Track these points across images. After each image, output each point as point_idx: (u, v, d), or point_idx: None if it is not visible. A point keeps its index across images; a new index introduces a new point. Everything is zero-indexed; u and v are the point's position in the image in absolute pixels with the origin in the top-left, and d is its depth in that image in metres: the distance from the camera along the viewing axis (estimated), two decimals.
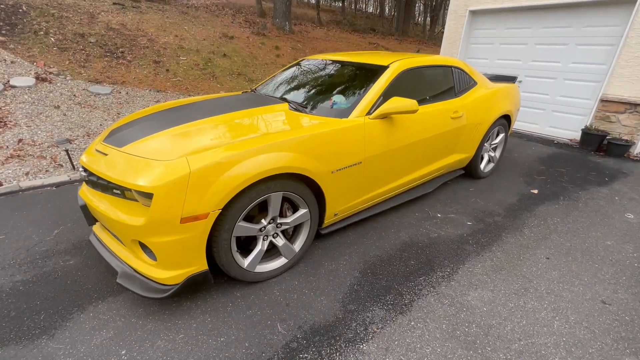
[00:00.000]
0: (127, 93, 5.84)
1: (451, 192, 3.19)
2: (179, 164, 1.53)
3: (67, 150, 3.33)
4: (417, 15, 30.42)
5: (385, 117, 2.21)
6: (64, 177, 3.15)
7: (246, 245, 1.98)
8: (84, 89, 5.38)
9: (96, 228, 2.03)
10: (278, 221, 1.91)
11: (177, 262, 1.61)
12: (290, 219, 1.94)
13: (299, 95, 2.53)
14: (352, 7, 27.88)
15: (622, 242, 2.45)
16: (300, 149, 1.82)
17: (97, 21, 7.52)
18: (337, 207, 2.17)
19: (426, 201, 2.98)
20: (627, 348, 1.57)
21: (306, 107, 2.31)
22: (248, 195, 1.67)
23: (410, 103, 2.11)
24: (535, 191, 3.26)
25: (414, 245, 2.34)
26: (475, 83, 3.13)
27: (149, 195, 1.49)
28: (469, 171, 3.38)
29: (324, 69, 2.81)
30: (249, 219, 1.86)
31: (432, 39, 22.12)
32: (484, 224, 2.63)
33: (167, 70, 7.17)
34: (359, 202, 2.32)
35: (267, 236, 1.92)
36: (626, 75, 4.33)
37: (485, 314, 1.75)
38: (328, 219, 2.18)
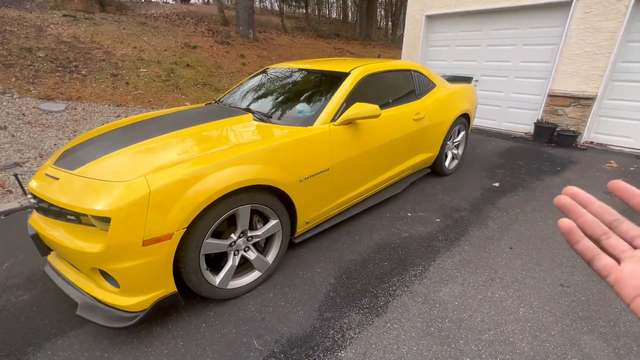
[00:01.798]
0: (83, 109, 5.53)
1: (420, 190, 3.29)
2: (137, 184, 1.46)
3: (16, 175, 3.08)
4: (379, 20, 31.37)
5: (349, 122, 2.25)
6: (13, 204, 2.92)
7: (217, 261, 1.92)
8: (34, 107, 5.03)
9: (51, 257, 1.89)
10: (248, 234, 1.88)
11: (142, 287, 1.53)
12: (261, 231, 1.92)
13: (263, 105, 2.52)
14: (316, 13, 28.25)
15: None
16: (266, 160, 1.80)
17: (45, 34, 7.09)
18: (309, 215, 2.17)
19: (396, 201, 3.05)
20: (584, 327, 1.69)
21: (271, 117, 2.30)
22: (214, 211, 1.63)
23: (372, 108, 2.16)
24: (497, 184, 3.44)
25: (387, 246, 2.39)
26: (434, 85, 3.26)
27: (106, 220, 1.41)
28: (435, 169, 3.51)
29: (289, 77, 2.81)
30: (218, 234, 1.82)
31: (394, 42, 22.88)
32: (451, 220, 2.73)
33: (127, 83, 6.88)
34: (330, 208, 2.33)
35: (237, 251, 1.87)
36: (568, 71, 4.71)
37: (457, 308, 1.81)
38: (300, 228, 2.17)
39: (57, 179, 1.65)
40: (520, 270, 2.12)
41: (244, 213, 1.77)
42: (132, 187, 1.45)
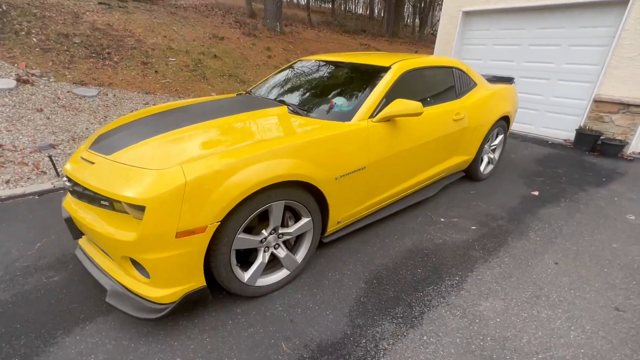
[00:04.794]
0: (114, 95, 5.63)
1: (452, 195, 3.13)
2: (173, 173, 1.40)
3: (50, 156, 3.15)
4: (406, 17, 30.65)
5: (388, 120, 2.13)
6: (47, 185, 2.97)
7: (245, 257, 1.86)
8: (68, 91, 5.16)
9: (82, 241, 1.88)
10: (280, 231, 1.81)
11: (173, 279, 1.49)
12: (293, 229, 1.84)
13: (297, 98, 2.43)
14: (342, 8, 27.93)
15: (628, 244, 2.42)
16: (303, 155, 1.72)
17: (81, 21, 7.28)
18: (341, 215, 2.07)
19: (428, 205, 2.91)
20: None
21: (306, 110, 2.21)
22: (248, 206, 1.56)
23: (415, 105, 2.03)
24: (536, 193, 3.22)
25: (419, 252, 2.26)
26: (475, 84, 3.08)
27: (140, 208, 1.37)
28: (469, 173, 3.33)
29: (322, 70, 2.71)
30: (249, 230, 1.75)
31: (421, 40, 22.29)
32: (488, 228, 2.57)
33: (156, 71, 6.98)
34: (362, 208, 2.23)
35: (267, 247, 1.80)
36: (619, 75, 4.37)
37: (499, 325, 1.68)
38: (331, 227, 2.08)
39: (93, 163, 1.63)
40: (568, 289, 1.95)
41: (277, 209, 1.69)
42: (168, 176, 1.39)
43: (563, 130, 5.09)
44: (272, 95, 2.59)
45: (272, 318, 1.70)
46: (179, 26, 9.32)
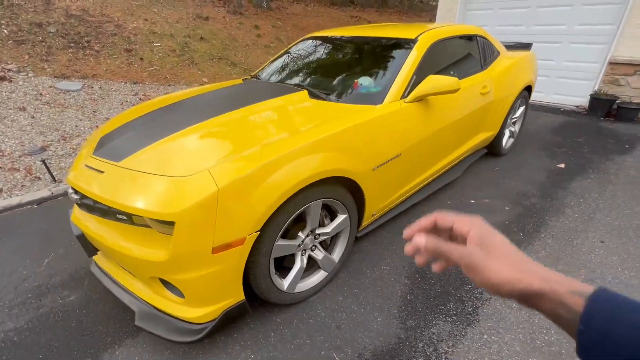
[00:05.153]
0: (100, 87, 5.27)
1: (477, 174, 2.99)
2: (201, 180, 1.21)
3: (44, 161, 2.89)
4: None
5: (421, 99, 1.92)
6: (44, 192, 2.74)
7: (279, 262, 1.71)
8: (50, 86, 4.79)
9: (98, 257, 1.70)
10: (317, 232, 1.64)
11: (210, 297, 1.33)
12: (330, 228, 1.67)
13: (315, 80, 2.20)
14: None
15: None
16: (339, 147, 1.53)
17: (54, 7, 6.70)
18: (376, 207, 1.91)
19: (455, 187, 2.76)
20: None
21: (328, 94, 1.99)
22: (286, 209, 1.38)
23: (451, 81, 1.82)
24: (562, 165, 3.10)
25: None
26: (498, 53, 2.86)
27: (169, 223, 1.19)
28: (492, 149, 3.17)
29: (337, 47, 2.46)
30: (284, 234, 1.58)
31: (412, 9, 21.47)
32: (522, 208, 2.45)
33: (142, 58, 6.54)
34: (396, 197, 2.07)
35: (304, 251, 1.65)
36: (637, 35, 4.15)
37: None
38: (366, 221, 1.93)
39: (102, 172, 1.41)
40: (621, 269, 1.85)
41: (315, 209, 1.52)
42: (196, 183, 1.20)
43: (576, 96, 4.92)
44: (286, 79, 2.35)
45: (317, 326, 1.57)
46: (159, 7, 8.70)
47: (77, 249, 2.10)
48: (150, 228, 1.31)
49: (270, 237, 1.37)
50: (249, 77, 2.72)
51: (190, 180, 1.22)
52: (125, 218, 1.33)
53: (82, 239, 1.55)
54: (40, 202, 2.66)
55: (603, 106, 4.45)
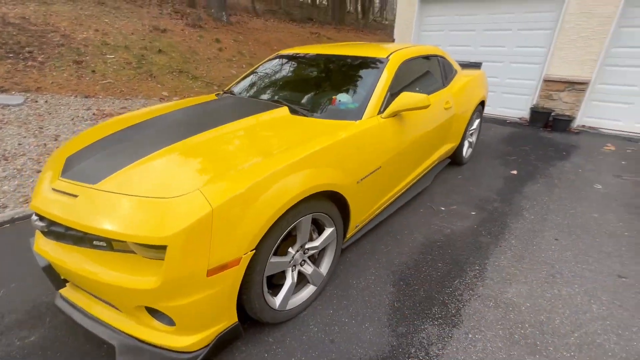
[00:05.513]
0: (46, 101, 4.83)
1: (443, 182, 3.19)
2: (193, 200, 1.17)
3: None
4: (348, 4, 30.81)
5: (396, 114, 2.05)
6: None
7: (269, 280, 1.68)
8: None
9: (66, 290, 1.54)
10: (306, 246, 1.65)
11: (203, 322, 1.27)
12: (319, 242, 1.69)
13: (294, 97, 2.23)
14: None
15: (605, 213, 2.67)
16: (328, 162, 1.57)
17: None
18: (360, 218, 1.97)
19: (425, 196, 2.93)
20: None
21: (308, 110, 2.03)
22: (280, 226, 1.38)
23: (422, 98, 1.96)
24: (515, 172, 3.43)
25: (433, 245, 2.26)
26: (455, 71, 3.13)
27: (160, 247, 1.13)
28: (455, 159, 3.42)
29: (310, 64, 2.53)
30: (275, 251, 1.57)
31: (367, 27, 22.65)
32: (487, 212, 2.66)
33: (93, 71, 6.13)
34: (376, 207, 2.14)
35: (295, 266, 1.64)
36: (564, 56, 4.79)
37: (531, 310, 1.73)
38: (350, 233, 1.97)
39: (76, 195, 1.31)
40: (575, 263, 2.08)
41: (306, 224, 1.53)
42: (188, 204, 1.16)
43: (518, 109, 5.50)
44: (263, 95, 2.36)
45: (311, 342, 1.56)
46: (111, 18, 8.27)
47: (34, 282, 1.89)
48: (133, 254, 1.23)
49: (265, 255, 1.36)
50: (221, 92, 2.68)
51: (181, 201, 1.17)
52: (105, 244, 1.24)
53: (49, 270, 1.40)
54: None
55: (541, 118, 5.03)
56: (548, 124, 5.07)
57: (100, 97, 5.54)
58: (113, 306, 1.34)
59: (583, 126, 5.03)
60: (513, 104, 5.54)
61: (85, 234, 1.24)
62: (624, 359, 1.46)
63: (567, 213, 2.66)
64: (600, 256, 2.15)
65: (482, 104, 3.55)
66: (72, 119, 4.48)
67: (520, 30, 5.13)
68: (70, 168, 1.49)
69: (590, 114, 4.96)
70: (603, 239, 2.33)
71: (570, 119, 4.85)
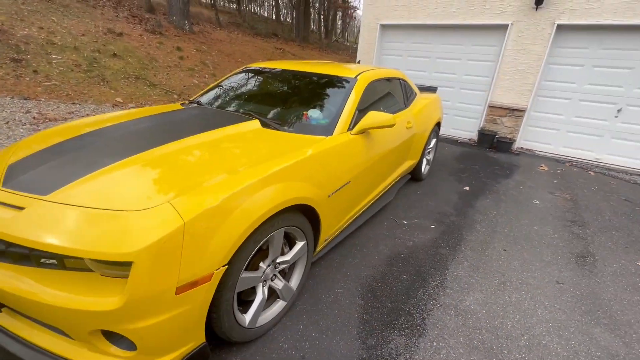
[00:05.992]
0: None
1: (404, 197, 3.36)
2: (162, 213, 1.11)
3: None
4: (312, 23, 31.85)
5: (364, 132, 2.14)
6: None
7: (239, 297, 1.62)
8: None
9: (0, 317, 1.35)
10: (277, 261, 1.63)
11: (169, 345, 1.19)
12: (290, 256, 1.68)
13: (264, 110, 2.24)
14: (249, 8, 27.30)
15: (543, 225, 2.99)
16: (302, 175, 1.58)
17: None
18: (329, 232, 1.99)
19: (388, 210, 3.05)
20: (590, 320, 1.89)
21: (279, 124, 2.05)
22: (253, 240, 1.35)
23: (388, 117, 2.08)
24: (467, 188, 3.71)
25: (397, 257, 2.35)
26: (415, 94, 3.36)
27: (123, 265, 1.05)
28: (414, 175, 3.63)
29: (283, 79, 2.57)
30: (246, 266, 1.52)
31: (330, 46, 23.50)
32: (445, 225, 2.84)
33: (35, 71, 5.60)
34: (344, 221, 2.19)
35: (265, 281, 1.61)
36: (505, 86, 5.38)
37: (487, 316, 1.86)
38: (320, 246, 1.98)
39: (22, 208, 1.17)
40: (521, 271, 2.29)
41: (278, 237, 1.52)
42: (157, 218, 1.10)
43: (468, 131, 6.02)
44: (231, 107, 2.33)
45: (281, 359, 1.52)
46: (59, 16, 7.67)
47: None
48: (90, 272, 1.13)
49: (237, 270, 1.32)
50: (187, 102, 2.60)
51: (148, 215, 1.11)
52: (55, 262, 1.13)
53: None
54: None
55: (487, 140, 5.55)
56: (493, 145, 5.60)
57: (43, 99, 5.05)
58: (62, 333, 1.20)
59: (522, 148, 5.64)
60: (463, 126, 6.05)
61: (32, 250, 1.11)
62: (565, 358, 1.63)
63: (513, 226, 2.93)
64: (542, 265, 2.39)
65: (438, 124, 3.84)
66: (7, 122, 4.02)
67: (469, 60, 5.69)
68: (14, 177, 1.34)
69: (527, 138, 5.59)
70: (543, 248, 2.60)
71: (511, 142, 5.41)
